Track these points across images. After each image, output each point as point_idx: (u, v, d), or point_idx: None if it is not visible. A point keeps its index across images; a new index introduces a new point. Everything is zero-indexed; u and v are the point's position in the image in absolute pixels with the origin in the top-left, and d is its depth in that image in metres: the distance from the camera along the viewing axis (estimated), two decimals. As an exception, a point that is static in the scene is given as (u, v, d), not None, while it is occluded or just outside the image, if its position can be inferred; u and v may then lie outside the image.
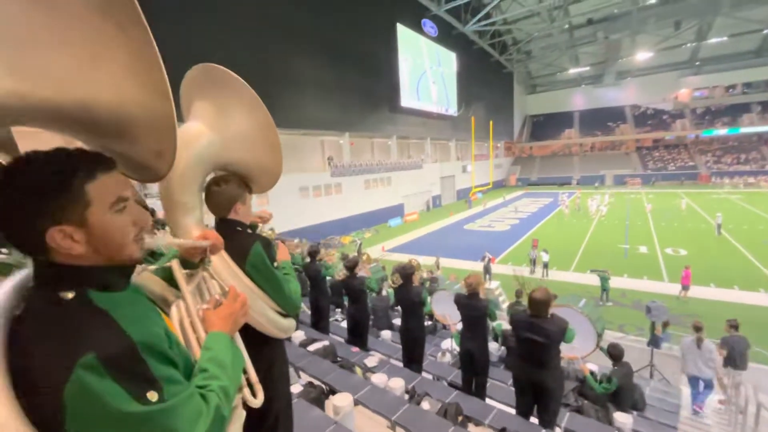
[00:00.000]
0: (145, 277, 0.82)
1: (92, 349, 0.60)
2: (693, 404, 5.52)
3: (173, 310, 0.92)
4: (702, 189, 36.25)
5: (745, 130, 41.91)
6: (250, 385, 1.02)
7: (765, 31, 38.70)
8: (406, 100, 28.68)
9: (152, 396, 0.63)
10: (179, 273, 0.99)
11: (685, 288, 11.17)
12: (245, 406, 1.02)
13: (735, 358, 5.76)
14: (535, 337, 3.03)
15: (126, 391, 0.61)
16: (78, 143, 0.74)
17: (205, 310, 0.94)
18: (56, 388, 0.58)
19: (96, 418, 0.60)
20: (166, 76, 0.69)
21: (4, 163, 0.65)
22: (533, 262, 14.37)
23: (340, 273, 5.39)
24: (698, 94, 46.76)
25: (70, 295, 0.65)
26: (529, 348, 3.11)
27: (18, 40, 0.60)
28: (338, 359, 4.09)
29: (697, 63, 45.97)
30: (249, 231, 1.61)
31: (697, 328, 5.57)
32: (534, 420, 3.24)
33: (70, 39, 0.63)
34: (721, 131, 43.06)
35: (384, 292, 7.18)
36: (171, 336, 0.79)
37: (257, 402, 1.01)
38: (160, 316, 0.81)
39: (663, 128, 47.25)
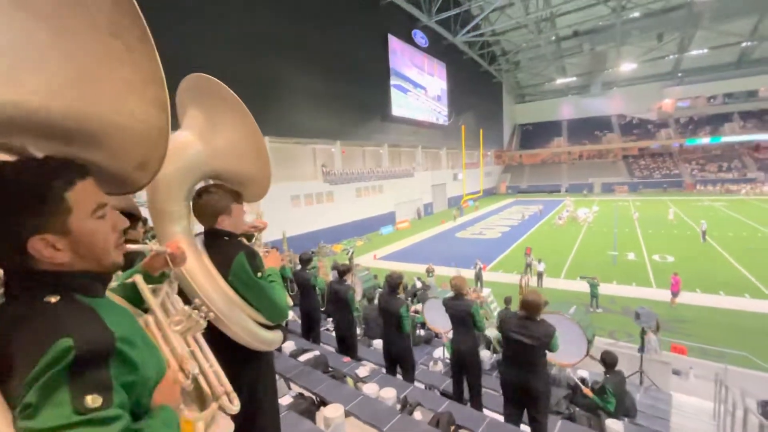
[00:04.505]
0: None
1: (71, 334, 0.59)
2: None
3: (141, 324, 0.89)
4: (687, 197, 37.00)
5: (726, 139, 43.08)
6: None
7: (744, 44, 40.10)
8: (398, 109, 28.91)
9: (94, 401, 0.57)
10: (144, 287, 0.97)
11: (675, 294, 11.32)
12: (233, 419, 1.01)
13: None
14: (523, 338, 3.08)
15: (70, 393, 0.56)
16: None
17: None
18: (32, 364, 0.57)
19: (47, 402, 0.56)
20: (166, 90, 0.69)
21: None
22: (529, 268, 14.35)
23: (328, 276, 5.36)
24: (681, 104, 48.07)
25: (54, 299, 0.64)
26: (517, 350, 3.16)
27: (21, 53, 0.60)
28: (329, 369, 4.03)
29: (679, 74, 47.30)
30: (238, 240, 1.59)
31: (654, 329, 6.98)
32: (524, 428, 3.22)
33: (75, 55, 0.62)
34: (704, 140, 44.18)
35: (376, 301, 7.13)
36: (148, 340, 0.78)
37: (235, 408, 1.01)
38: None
39: (648, 137, 48.33)
